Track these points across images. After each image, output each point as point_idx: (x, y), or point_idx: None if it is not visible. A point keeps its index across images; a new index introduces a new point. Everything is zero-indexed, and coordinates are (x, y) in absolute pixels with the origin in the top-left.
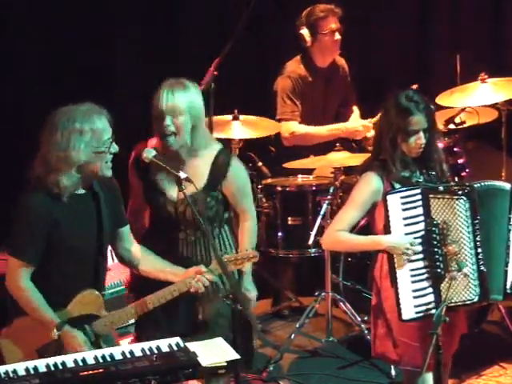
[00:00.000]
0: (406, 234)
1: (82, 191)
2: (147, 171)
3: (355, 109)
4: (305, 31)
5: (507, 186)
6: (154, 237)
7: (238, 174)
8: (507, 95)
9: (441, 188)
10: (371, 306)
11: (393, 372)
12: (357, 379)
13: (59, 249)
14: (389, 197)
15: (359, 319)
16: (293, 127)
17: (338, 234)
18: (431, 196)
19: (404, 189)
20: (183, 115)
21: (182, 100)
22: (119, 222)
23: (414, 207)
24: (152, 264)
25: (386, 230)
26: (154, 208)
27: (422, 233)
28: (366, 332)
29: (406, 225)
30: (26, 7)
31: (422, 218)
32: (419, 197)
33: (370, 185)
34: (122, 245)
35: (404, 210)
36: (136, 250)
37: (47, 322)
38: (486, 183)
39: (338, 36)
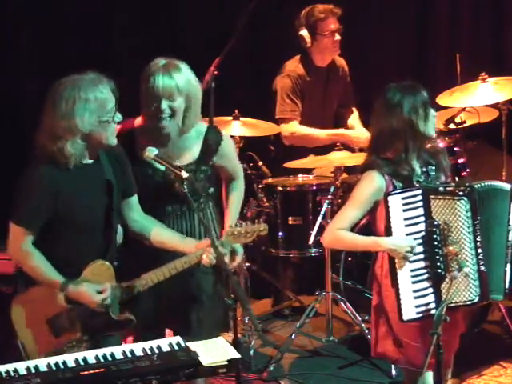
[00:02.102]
0: (407, 234)
1: (88, 161)
2: (133, 145)
3: (354, 110)
4: (304, 32)
5: (507, 186)
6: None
7: (228, 145)
8: (508, 95)
9: (441, 189)
10: (372, 305)
11: (393, 372)
12: (357, 379)
13: (67, 220)
14: (390, 198)
15: (359, 319)
16: (293, 127)
17: (339, 232)
18: (432, 197)
19: (405, 190)
20: (179, 98)
21: (179, 82)
22: (128, 191)
23: (415, 208)
24: (164, 234)
25: (387, 231)
26: (140, 181)
27: (423, 233)
28: (366, 332)
29: (406, 225)
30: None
31: (422, 218)
32: (420, 197)
33: (373, 183)
34: (131, 215)
35: (405, 210)
36: (145, 220)
37: (52, 283)
38: (487, 184)
39: (337, 37)
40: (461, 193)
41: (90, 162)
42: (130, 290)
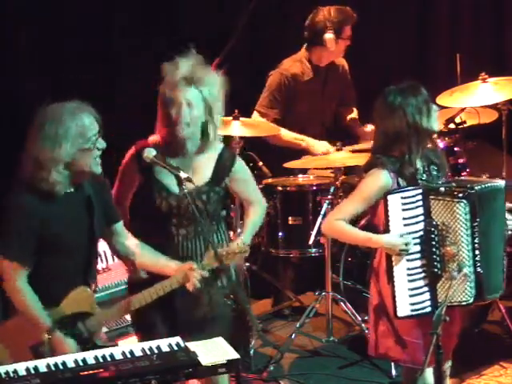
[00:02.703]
0: (406, 233)
1: (71, 189)
2: (150, 167)
3: (354, 110)
4: (330, 36)
5: (502, 183)
6: (149, 232)
7: (242, 168)
8: (508, 95)
9: (442, 189)
10: (371, 304)
11: (393, 372)
12: (357, 379)
13: (50, 248)
14: (389, 197)
15: (359, 319)
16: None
17: (337, 223)
18: (432, 197)
19: (405, 189)
20: (200, 108)
21: (201, 92)
22: (112, 219)
23: (414, 207)
24: (148, 257)
25: (386, 229)
26: (153, 202)
27: (421, 233)
28: (366, 332)
29: (405, 225)
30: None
31: (421, 217)
32: (420, 197)
33: (380, 181)
34: (118, 240)
35: (404, 210)
36: (132, 243)
37: (39, 325)
38: (487, 185)
39: (349, 41)
40: (460, 195)
41: (73, 190)
42: (112, 317)
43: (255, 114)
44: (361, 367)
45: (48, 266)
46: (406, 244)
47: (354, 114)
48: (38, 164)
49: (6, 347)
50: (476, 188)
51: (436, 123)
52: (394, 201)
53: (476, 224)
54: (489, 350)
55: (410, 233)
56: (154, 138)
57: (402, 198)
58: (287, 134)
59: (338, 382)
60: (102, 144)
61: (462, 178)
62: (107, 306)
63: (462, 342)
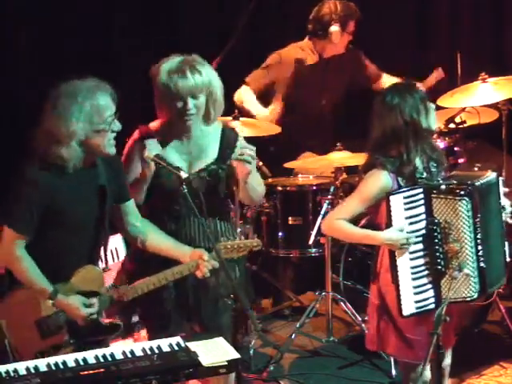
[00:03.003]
0: (408, 232)
1: (83, 167)
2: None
3: (383, 75)
4: (336, 29)
5: (495, 176)
6: (158, 218)
7: (245, 144)
8: (508, 94)
9: (443, 187)
10: (371, 302)
11: (393, 372)
12: (357, 379)
13: (59, 223)
14: (392, 197)
15: (359, 319)
16: (242, 94)
17: (338, 222)
18: (433, 196)
19: (406, 189)
20: (202, 94)
21: (200, 79)
22: (122, 197)
23: (416, 206)
24: (159, 240)
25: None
26: (162, 188)
27: (424, 231)
28: (366, 332)
29: (408, 224)
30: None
31: (424, 216)
32: (421, 196)
33: (380, 182)
34: (128, 220)
35: (406, 209)
36: (142, 225)
37: (41, 290)
38: (484, 180)
39: (351, 37)
40: (462, 192)
41: (86, 167)
42: (120, 298)
43: (243, 87)
44: (361, 367)
45: (54, 241)
46: (407, 238)
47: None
48: (52, 138)
49: (9, 322)
50: (476, 184)
51: (434, 122)
52: (397, 201)
53: (478, 220)
54: (489, 350)
55: (413, 231)
56: (155, 124)
57: (404, 197)
58: (253, 108)
59: (338, 382)
60: (117, 126)
61: (459, 172)
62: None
63: (462, 342)
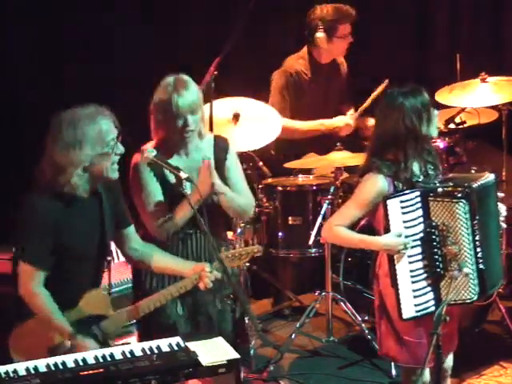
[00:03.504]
0: (406, 236)
1: (88, 195)
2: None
3: (352, 110)
4: (321, 35)
5: (493, 177)
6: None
7: (235, 155)
8: (508, 97)
9: (440, 190)
10: (375, 305)
11: (393, 372)
12: (357, 379)
13: (64, 252)
14: (389, 201)
15: (359, 319)
16: (286, 123)
17: (336, 228)
18: (430, 199)
19: (403, 193)
20: (200, 109)
21: (195, 96)
22: (122, 223)
23: (414, 210)
24: (162, 261)
25: (386, 233)
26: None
27: (422, 234)
28: (366, 332)
29: (405, 227)
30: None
31: (421, 219)
32: (418, 199)
33: (376, 186)
34: (129, 245)
35: (404, 213)
36: (145, 248)
37: (60, 329)
38: (482, 182)
39: (350, 39)
40: (459, 194)
41: (90, 195)
42: (130, 318)
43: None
44: (361, 367)
45: (60, 270)
46: (405, 243)
47: (352, 111)
48: (58, 168)
49: (24, 348)
50: (473, 186)
51: (435, 129)
52: (394, 205)
53: (476, 222)
54: (489, 350)
55: (410, 235)
56: (152, 143)
57: (401, 201)
58: (303, 124)
59: (338, 382)
60: (120, 149)
61: (456, 175)
62: (120, 308)
63: (462, 342)
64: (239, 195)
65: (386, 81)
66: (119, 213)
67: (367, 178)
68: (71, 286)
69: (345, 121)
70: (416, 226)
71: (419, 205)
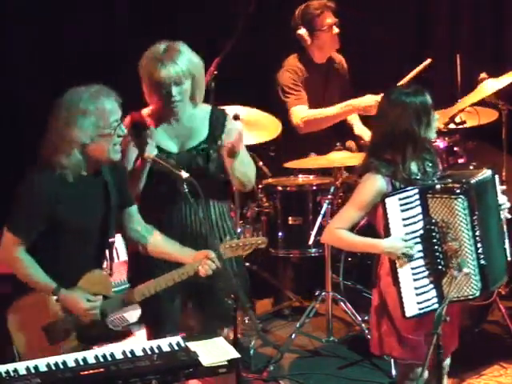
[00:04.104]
0: (406, 234)
1: (88, 174)
2: (143, 134)
3: None
4: (303, 31)
5: (490, 173)
6: (155, 206)
7: (235, 124)
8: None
9: (438, 186)
10: (372, 305)
11: (393, 372)
12: (357, 379)
13: (63, 229)
14: (387, 200)
15: (359, 319)
16: (302, 112)
17: (337, 231)
18: (429, 196)
19: (401, 190)
20: (187, 80)
21: (184, 66)
22: (126, 202)
23: (412, 207)
24: (162, 245)
25: (386, 231)
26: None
27: (422, 232)
28: (366, 332)
29: (405, 225)
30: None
31: (420, 217)
32: (417, 197)
33: (375, 186)
34: (130, 225)
35: (403, 211)
36: (145, 230)
37: (44, 287)
38: (480, 178)
39: (336, 30)
40: (458, 190)
41: (91, 174)
42: (128, 301)
43: (292, 112)
44: (361, 367)
45: (59, 247)
46: (407, 247)
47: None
48: (55, 147)
49: (17, 328)
50: (471, 182)
51: (434, 132)
52: (392, 203)
53: (475, 217)
54: (489, 350)
55: (410, 233)
56: (147, 111)
57: (399, 199)
58: (330, 110)
59: (338, 382)
60: (123, 131)
61: (454, 172)
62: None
63: (462, 342)
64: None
65: (429, 60)
66: (124, 192)
67: (366, 179)
68: (71, 264)
69: (375, 98)
70: (416, 223)
71: (418, 202)
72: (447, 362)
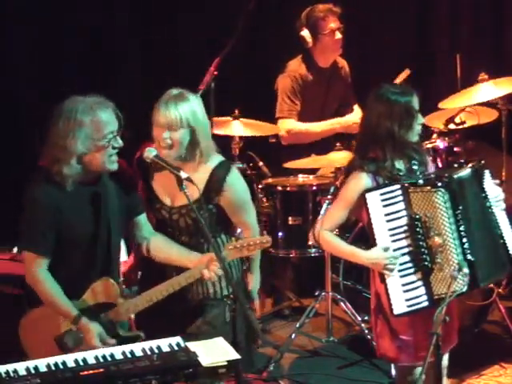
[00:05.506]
0: (389, 229)
1: (86, 183)
2: (148, 173)
3: (356, 107)
4: (305, 33)
5: (474, 168)
6: None
7: (234, 189)
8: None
9: (420, 181)
10: (371, 306)
11: (393, 372)
12: (357, 379)
13: (65, 239)
14: (368, 195)
15: (359, 319)
16: (289, 125)
17: (323, 233)
18: (411, 190)
19: (383, 185)
20: (182, 129)
21: (183, 114)
22: (133, 212)
23: (395, 202)
24: (170, 250)
25: (369, 227)
26: (151, 210)
27: (405, 227)
28: (366, 332)
29: (388, 221)
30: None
31: (404, 212)
32: (399, 192)
33: (359, 184)
34: (139, 233)
35: (385, 206)
36: (153, 237)
37: (65, 314)
38: (464, 172)
39: (338, 35)
40: (439, 184)
41: (88, 184)
42: (135, 307)
43: (280, 122)
44: (361, 367)
45: (65, 259)
46: (392, 259)
47: (356, 111)
48: (53, 157)
49: (30, 339)
50: (454, 176)
51: (417, 135)
52: (374, 198)
53: (459, 212)
54: (489, 350)
55: (393, 228)
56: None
57: (380, 194)
58: (317, 126)
59: (338, 382)
60: (118, 143)
61: (440, 170)
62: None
63: (462, 342)
64: (246, 231)
65: (407, 70)
66: (129, 201)
67: (351, 178)
68: (77, 276)
69: (359, 116)
70: (399, 218)
71: (400, 198)
72: (445, 362)
